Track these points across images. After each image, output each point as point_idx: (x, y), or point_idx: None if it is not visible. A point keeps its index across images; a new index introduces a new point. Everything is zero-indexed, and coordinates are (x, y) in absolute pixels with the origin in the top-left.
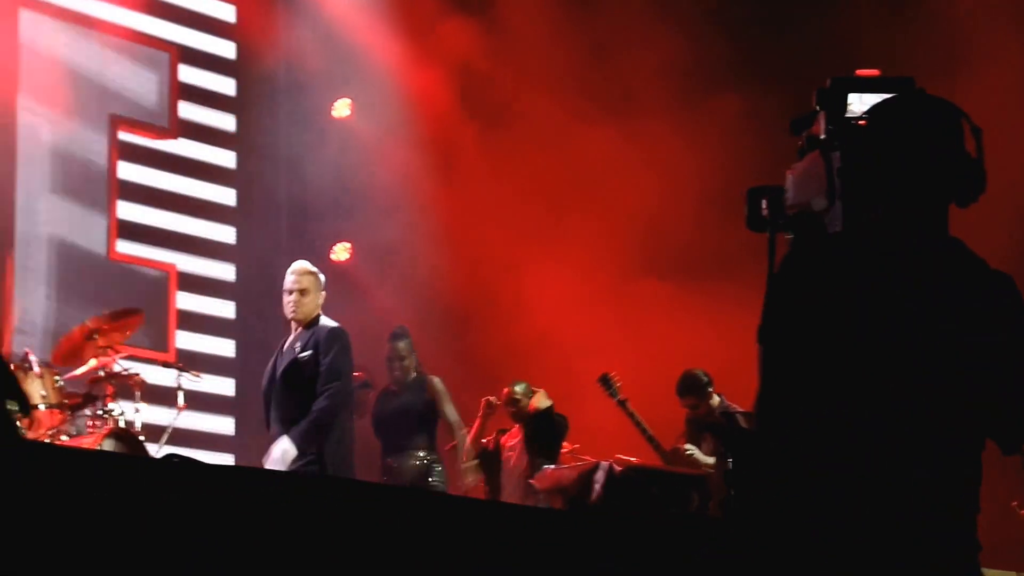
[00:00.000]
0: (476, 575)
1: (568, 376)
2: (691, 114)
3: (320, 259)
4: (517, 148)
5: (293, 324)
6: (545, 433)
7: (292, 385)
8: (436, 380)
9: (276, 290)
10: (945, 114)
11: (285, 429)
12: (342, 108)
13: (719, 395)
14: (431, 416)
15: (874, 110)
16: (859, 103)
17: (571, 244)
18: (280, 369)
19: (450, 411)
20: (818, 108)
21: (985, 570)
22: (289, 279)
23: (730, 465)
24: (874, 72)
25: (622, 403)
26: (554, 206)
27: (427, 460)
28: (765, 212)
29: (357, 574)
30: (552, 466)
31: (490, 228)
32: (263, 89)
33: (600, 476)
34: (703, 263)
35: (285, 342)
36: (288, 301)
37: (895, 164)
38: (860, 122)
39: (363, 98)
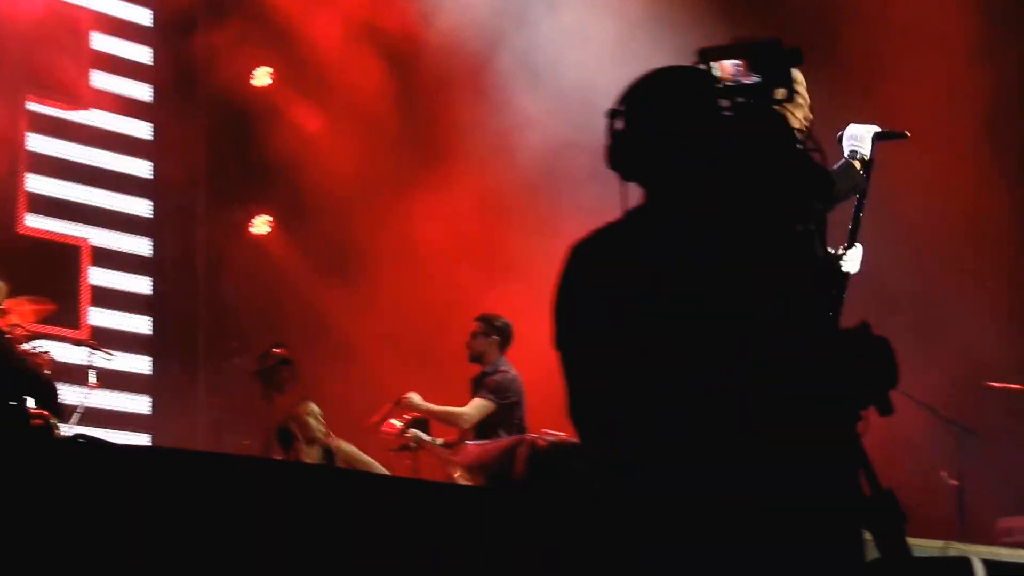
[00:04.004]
0: (396, 553)
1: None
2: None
3: (240, 232)
4: (434, 114)
5: None
6: None
7: None
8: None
9: (194, 264)
10: (689, 83)
11: None
12: (262, 77)
13: None
14: None
15: (628, 86)
16: (718, 71)
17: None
18: None
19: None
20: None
21: (913, 540)
22: (803, 90)
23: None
24: (747, 37)
25: None
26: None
27: None
28: None
29: (276, 553)
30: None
31: (409, 193)
32: (180, 57)
33: (523, 451)
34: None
35: None
36: (807, 119)
37: (643, 139)
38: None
39: (284, 66)
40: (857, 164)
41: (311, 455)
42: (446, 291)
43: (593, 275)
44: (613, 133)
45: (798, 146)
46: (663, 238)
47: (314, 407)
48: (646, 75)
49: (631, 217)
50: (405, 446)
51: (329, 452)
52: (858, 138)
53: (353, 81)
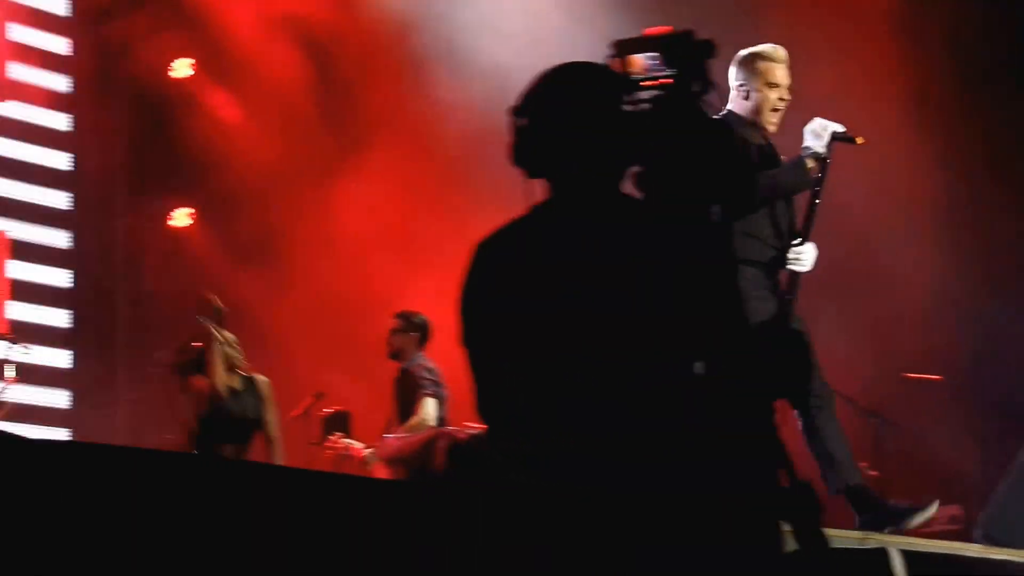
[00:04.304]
0: (316, 548)
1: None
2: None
3: (160, 224)
4: (354, 102)
5: (767, 127)
6: None
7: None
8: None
9: (114, 257)
10: (592, 80)
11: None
12: (182, 68)
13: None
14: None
15: (531, 83)
16: (632, 65)
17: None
18: None
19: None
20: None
21: (831, 531)
22: (783, 68)
23: None
24: (665, 29)
25: None
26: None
27: None
28: None
29: (193, 549)
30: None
31: (328, 182)
32: (99, 48)
33: (442, 444)
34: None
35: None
36: (778, 97)
37: (544, 137)
38: (645, 83)
39: (203, 56)
40: (811, 162)
41: (233, 382)
42: (366, 280)
43: (497, 272)
44: (516, 130)
45: (719, 135)
46: (566, 235)
47: (230, 335)
48: (548, 72)
49: (535, 214)
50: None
51: (251, 381)
52: (816, 135)
53: (272, 70)
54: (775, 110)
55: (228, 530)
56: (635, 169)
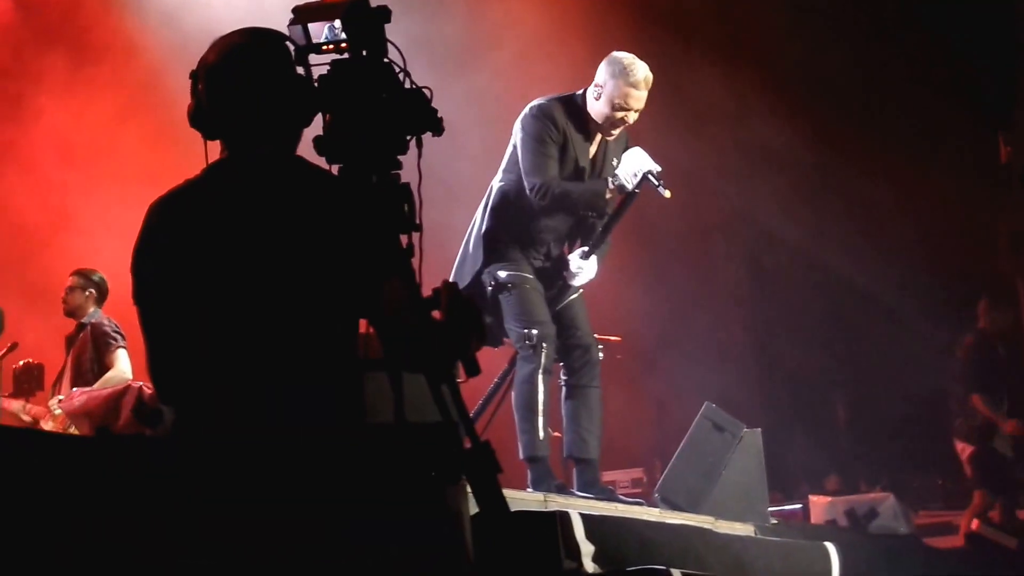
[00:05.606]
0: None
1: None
2: None
3: None
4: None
5: (603, 133)
6: None
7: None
8: None
9: None
10: (262, 45)
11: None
12: None
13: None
14: None
15: (208, 50)
16: (311, 31)
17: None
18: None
19: None
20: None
21: (514, 493)
22: (639, 95)
23: None
24: None
25: None
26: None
27: None
28: None
29: None
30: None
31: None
32: None
33: (129, 400)
34: None
35: (580, 146)
36: (621, 118)
37: (217, 103)
38: (325, 48)
39: None
40: (613, 190)
41: None
42: (59, 218)
43: (169, 232)
44: (193, 93)
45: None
46: (234, 197)
47: None
48: (222, 38)
49: (208, 175)
50: None
51: None
52: (631, 168)
53: None
54: (615, 126)
55: None
56: (317, 134)
